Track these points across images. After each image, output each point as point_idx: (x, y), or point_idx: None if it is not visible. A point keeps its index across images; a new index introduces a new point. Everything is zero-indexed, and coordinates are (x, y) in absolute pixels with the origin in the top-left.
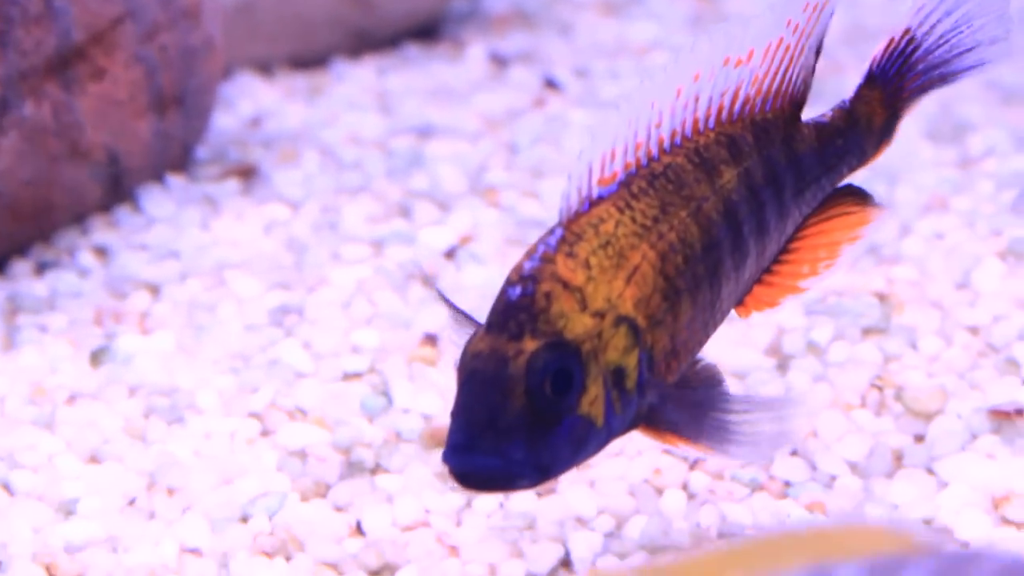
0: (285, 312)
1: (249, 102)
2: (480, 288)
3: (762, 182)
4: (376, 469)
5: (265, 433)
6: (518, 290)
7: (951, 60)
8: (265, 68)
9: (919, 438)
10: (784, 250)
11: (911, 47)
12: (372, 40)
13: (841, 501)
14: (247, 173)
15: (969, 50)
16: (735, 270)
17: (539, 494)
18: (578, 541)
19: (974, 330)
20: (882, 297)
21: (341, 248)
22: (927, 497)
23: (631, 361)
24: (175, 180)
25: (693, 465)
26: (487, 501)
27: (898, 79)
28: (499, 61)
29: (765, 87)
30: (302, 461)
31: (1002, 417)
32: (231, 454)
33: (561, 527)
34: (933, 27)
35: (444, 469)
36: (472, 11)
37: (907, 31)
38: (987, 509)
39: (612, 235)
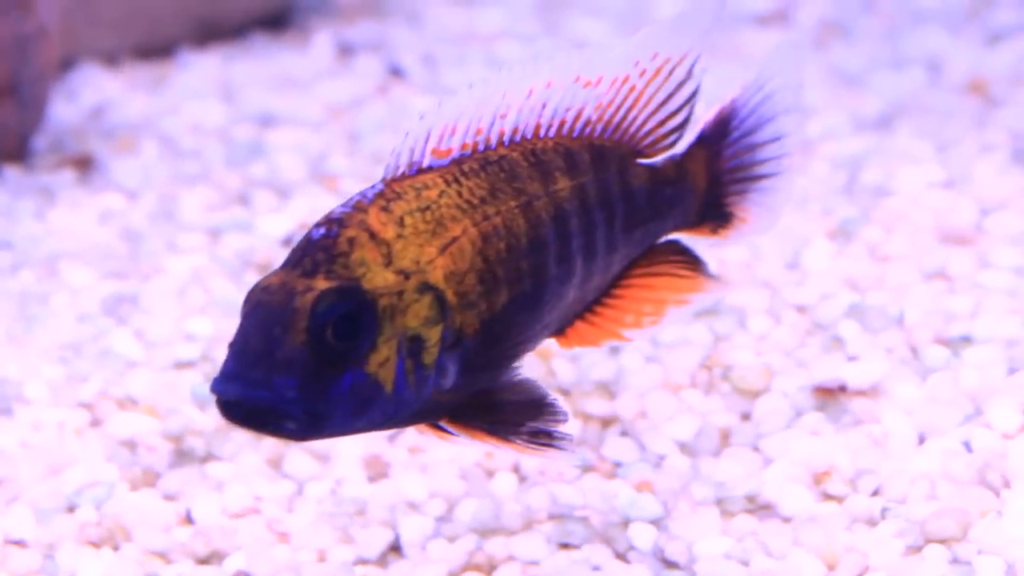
0: (118, 301)
1: (92, 93)
2: None
3: (595, 203)
4: (207, 457)
5: (95, 423)
6: (322, 230)
7: (759, 142)
8: (110, 59)
9: (746, 416)
10: (609, 293)
11: (733, 117)
12: (219, 30)
13: (669, 480)
14: (84, 163)
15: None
16: (560, 283)
17: (371, 478)
18: (409, 525)
19: (802, 309)
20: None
21: (177, 237)
22: (752, 474)
23: (432, 334)
24: (10, 171)
25: None
26: (318, 487)
27: (718, 145)
28: (346, 50)
29: (607, 116)
30: (131, 450)
31: (826, 394)
32: (59, 444)
33: (392, 512)
34: (755, 105)
35: (275, 453)
36: (322, 1)
37: (733, 101)
38: (809, 484)
39: (434, 202)
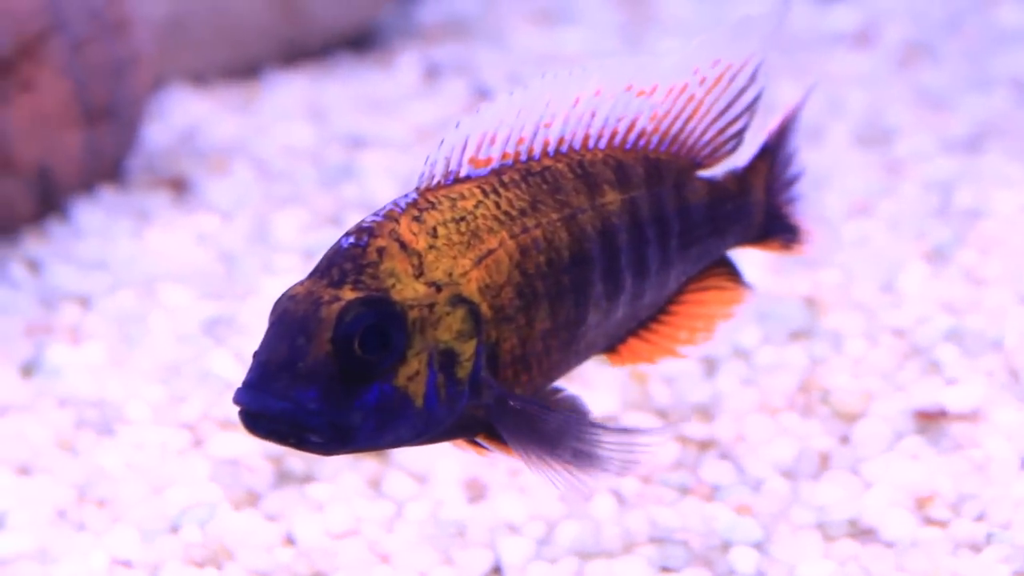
0: (216, 322)
1: (182, 113)
2: None
3: (648, 219)
4: (307, 478)
5: (196, 443)
6: (351, 239)
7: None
8: (199, 79)
9: (844, 440)
10: (664, 310)
11: (792, 125)
12: (304, 50)
13: (769, 504)
14: (178, 185)
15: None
16: (606, 299)
17: (470, 500)
18: (509, 547)
19: (899, 332)
20: (809, 301)
21: (272, 258)
22: (853, 498)
23: (466, 349)
24: (106, 192)
25: None
26: (418, 508)
27: (775, 155)
28: (431, 71)
29: (663, 127)
30: (233, 471)
31: (927, 419)
32: (162, 465)
33: (492, 534)
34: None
35: (375, 474)
36: (405, 21)
37: (796, 110)
38: (911, 509)
39: (469, 212)
